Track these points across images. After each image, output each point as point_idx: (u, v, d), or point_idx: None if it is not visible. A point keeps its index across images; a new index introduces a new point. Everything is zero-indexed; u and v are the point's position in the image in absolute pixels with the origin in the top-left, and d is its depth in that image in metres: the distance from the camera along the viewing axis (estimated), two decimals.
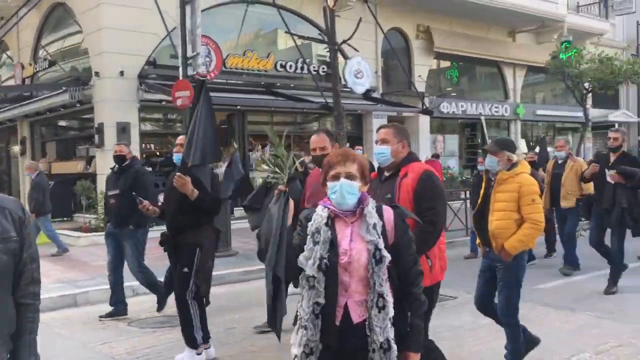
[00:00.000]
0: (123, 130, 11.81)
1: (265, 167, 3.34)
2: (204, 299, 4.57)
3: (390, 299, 2.23)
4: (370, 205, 2.30)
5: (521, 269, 4.10)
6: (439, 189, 3.25)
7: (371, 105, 15.12)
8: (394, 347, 2.21)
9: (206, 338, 4.58)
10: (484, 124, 16.79)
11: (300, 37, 11.27)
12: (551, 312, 5.81)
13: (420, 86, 16.45)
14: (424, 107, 15.17)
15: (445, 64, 18.44)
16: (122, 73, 11.77)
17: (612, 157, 6.67)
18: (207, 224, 4.60)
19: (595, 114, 20.73)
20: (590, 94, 18.09)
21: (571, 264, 7.73)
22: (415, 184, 3.18)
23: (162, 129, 13.79)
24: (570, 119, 21.28)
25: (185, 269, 4.43)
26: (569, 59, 16.34)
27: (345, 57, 12.30)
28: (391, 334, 2.22)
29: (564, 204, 7.73)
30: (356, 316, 2.25)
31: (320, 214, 2.32)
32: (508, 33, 19.50)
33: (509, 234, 3.97)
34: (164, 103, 11.90)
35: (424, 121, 16.79)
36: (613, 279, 6.61)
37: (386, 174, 3.37)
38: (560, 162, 7.98)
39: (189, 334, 4.46)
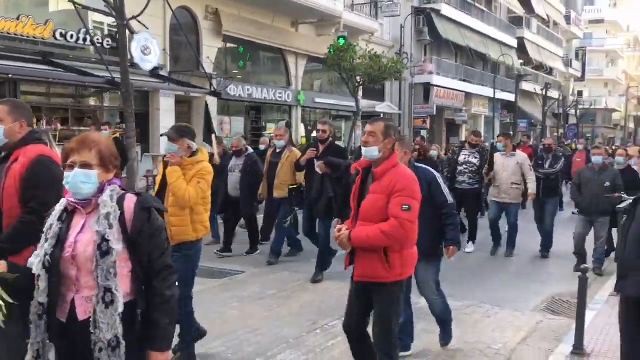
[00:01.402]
0: None
1: None
2: None
3: (120, 293, 2.12)
4: (106, 194, 2.19)
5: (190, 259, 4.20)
6: (52, 174, 2.91)
7: (159, 83, 14.94)
8: (123, 343, 2.11)
9: None
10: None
11: (85, 7, 10.73)
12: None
13: (209, 67, 16.67)
14: (213, 89, 15.45)
15: (233, 47, 18.88)
16: None
17: (321, 148, 6.90)
18: None
19: (365, 104, 23.02)
20: (361, 87, 20.09)
21: (276, 254, 7.73)
22: (25, 170, 2.94)
23: None
24: (344, 107, 23.33)
25: None
26: (344, 54, 17.97)
27: (132, 32, 12.01)
28: (120, 330, 2.10)
29: (277, 193, 7.67)
30: (82, 312, 2.14)
31: (56, 208, 2.26)
32: (292, 23, 20.65)
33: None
34: None
35: (212, 103, 17.04)
36: (321, 267, 6.88)
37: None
38: (278, 151, 7.87)
39: None
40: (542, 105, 36.43)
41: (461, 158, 9.05)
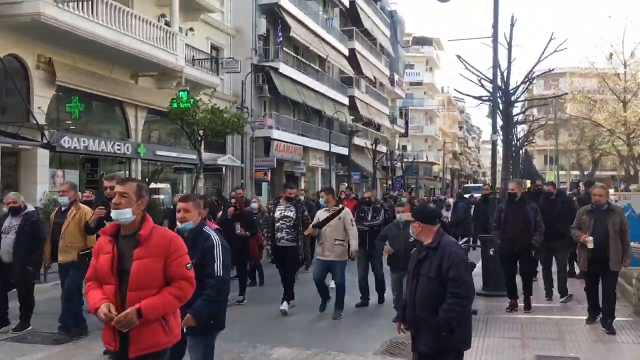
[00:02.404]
0: None
1: None
2: None
3: None
4: None
5: None
6: None
7: None
8: None
9: None
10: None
11: None
12: None
13: (40, 118, 15.75)
14: (46, 141, 14.60)
15: (67, 98, 18.06)
16: None
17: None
18: None
19: (207, 157, 23.14)
20: (203, 140, 20.22)
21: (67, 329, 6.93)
22: None
23: None
24: (186, 160, 23.22)
25: None
26: (186, 108, 18.09)
27: None
28: None
29: (62, 257, 6.97)
30: None
31: None
32: (131, 75, 20.32)
33: None
34: None
35: (43, 155, 16.08)
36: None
37: None
38: (63, 209, 7.21)
39: None
40: (372, 159, 39.23)
41: (277, 213, 8.60)
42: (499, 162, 12.23)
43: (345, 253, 8.41)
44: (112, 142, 19.20)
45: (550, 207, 9.26)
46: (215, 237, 4.31)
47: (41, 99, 16.39)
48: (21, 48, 15.71)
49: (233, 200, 9.83)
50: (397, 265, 7.69)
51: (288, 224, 8.50)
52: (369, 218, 9.24)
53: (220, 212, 9.13)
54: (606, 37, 22.72)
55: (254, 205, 12.13)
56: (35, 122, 14.90)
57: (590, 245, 6.99)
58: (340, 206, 8.87)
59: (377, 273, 9.32)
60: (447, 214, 14.32)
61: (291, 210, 8.55)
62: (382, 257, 9.04)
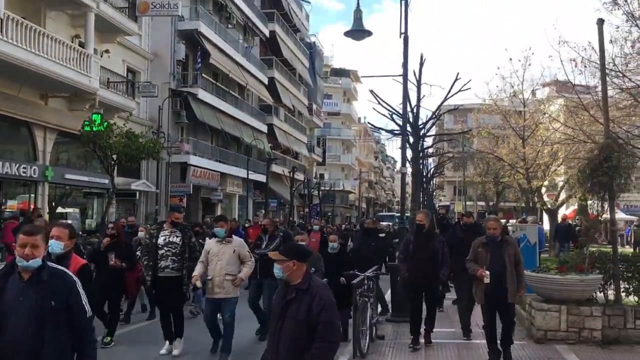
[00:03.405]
0: None
1: None
2: None
3: None
4: None
5: None
6: None
7: None
8: None
9: None
10: None
11: None
12: None
13: None
14: None
15: None
16: None
17: None
18: None
19: (121, 181, 22.53)
20: (116, 165, 19.72)
21: None
22: None
23: None
24: (97, 184, 22.49)
25: None
26: (100, 132, 17.64)
27: None
28: None
29: None
30: None
31: None
32: (41, 96, 19.58)
33: None
34: None
35: None
36: None
37: None
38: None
39: None
40: (290, 186, 39.57)
41: (161, 240, 7.85)
42: (409, 191, 12.81)
43: (237, 289, 7.62)
44: (17, 165, 18.33)
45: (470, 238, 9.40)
46: (70, 274, 3.74)
47: None
48: None
49: (110, 227, 9.03)
50: None
51: (174, 250, 7.80)
52: (263, 246, 8.95)
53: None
54: (508, 79, 24.86)
55: (141, 234, 10.91)
56: None
57: (487, 280, 6.97)
58: (235, 237, 7.95)
59: (267, 305, 8.70)
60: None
61: (177, 236, 7.88)
62: (273, 290, 8.36)
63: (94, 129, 17.85)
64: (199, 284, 7.52)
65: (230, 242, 7.58)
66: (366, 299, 7.91)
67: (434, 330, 8.51)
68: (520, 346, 8.18)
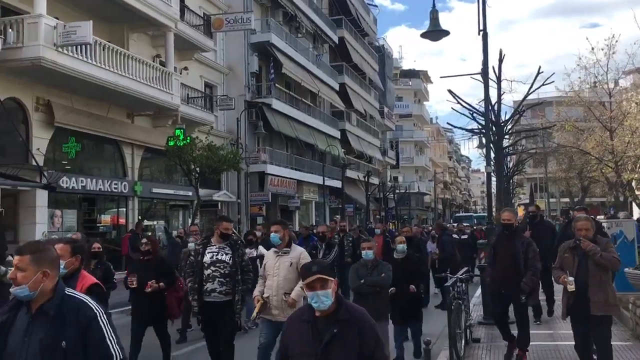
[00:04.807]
0: None
1: None
2: None
3: None
4: None
5: None
6: None
7: None
8: None
9: None
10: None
11: None
12: None
13: (39, 160, 15.93)
14: (46, 182, 14.75)
15: (64, 138, 18.30)
16: None
17: None
18: None
19: (202, 193, 23.29)
20: (199, 177, 20.44)
21: None
22: None
23: None
24: (181, 196, 23.39)
25: None
26: (184, 146, 18.36)
27: None
28: None
29: None
30: None
31: None
32: (127, 115, 20.63)
33: None
34: None
35: (42, 196, 16.22)
36: None
37: None
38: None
39: None
40: (365, 191, 39.54)
41: (207, 257, 6.26)
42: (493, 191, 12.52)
43: None
44: (109, 181, 19.38)
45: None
46: (94, 305, 2.84)
47: (40, 141, 16.62)
48: (21, 91, 16.02)
49: (144, 242, 7.60)
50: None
51: (222, 271, 6.24)
52: (320, 255, 8.17)
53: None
54: (591, 69, 23.58)
55: (191, 245, 9.07)
56: (35, 163, 15.08)
57: (571, 288, 5.74)
58: (295, 247, 6.43)
59: None
60: (432, 247, 13.35)
61: (226, 253, 6.28)
62: None
63: (179, 144, 18.56)
64: (258, 307, 6.06)
65: (288, 252, 6.14)
66: (459, 301, 7.78)
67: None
68: (625, 347, 7.80)
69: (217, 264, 6.22)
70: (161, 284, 7.16)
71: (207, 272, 6.20)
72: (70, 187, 17.55)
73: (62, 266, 3.95)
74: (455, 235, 15.35)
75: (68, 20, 15.79)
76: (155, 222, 23.63)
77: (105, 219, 20.60)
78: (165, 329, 7.47)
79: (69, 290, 2.84)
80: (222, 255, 6.26)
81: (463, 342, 7.71)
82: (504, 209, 8.76)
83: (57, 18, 15.40)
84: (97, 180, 18.85)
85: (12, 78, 15.45)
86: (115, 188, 19.67)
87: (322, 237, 8.48)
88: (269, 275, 6.09)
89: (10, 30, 14.61)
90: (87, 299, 2.84)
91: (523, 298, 6.90)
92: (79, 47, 15.76)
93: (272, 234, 6.27)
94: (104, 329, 2.75)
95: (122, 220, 20.51)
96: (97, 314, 2.76)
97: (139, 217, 21.23)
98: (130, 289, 7.49)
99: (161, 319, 7.37)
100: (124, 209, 20.58)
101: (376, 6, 55.98)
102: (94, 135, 18.79)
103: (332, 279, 2.97)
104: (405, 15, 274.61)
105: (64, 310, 2.73)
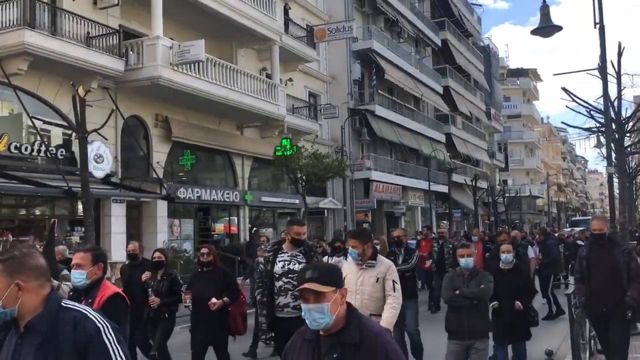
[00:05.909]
0: None
1: None
2: None
3: None
4: None
5: None
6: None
7: (111, 190, 15.11)
8: None
9: None
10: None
11: (47, 122, 11.08)
12: None
13: (159, 172, 17.03)
14: (165, 193, 15.74)
15: (180, 151, 19.41)
16: None
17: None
18: None
19: (308, 200, 23.73)
20: (306, 185, 20.87)
21: None
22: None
23: None
24: (288, 204, 23.97)
25: None
26: (291, 155, 18.85)
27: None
28: None
29: None
30: None
31: None
32: (237, 127, 21.51)
33: None
34: None
35: (162, 206, 17.28)
36: None
37: None
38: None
39: None
40: (472, 195, 38.40)
41: (278, 267, 5.39)
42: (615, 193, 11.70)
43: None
44: (221, 191, 20.27)
45: None
46: (97, 318, 2.36)
47: (159, 154, 17.74)
48: (141, 109, 17.20)
49: (204, 252, 6.81)
50: (458, 330, 5.60)
51: (295, 282, 4.87)
52: (399, 262, 7.47)
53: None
54: None
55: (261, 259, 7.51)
56: (155, 176, 16.15)
57: None
58: (381, 259, 5.56)
59: (411, 330, 7.35)
60: (533, 251, 12.29)
61: (300, 262, 5.38)
62: (416, 311, 7.54)
63: (285, 153, 19.07)
64: None
65: (373, 266, 5.33)
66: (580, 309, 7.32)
67: None
68: None
69: (290, 275, 5.27)
70: (225, 299, 6.49)
71: (278, 283, 5.34)
72: (187, 198, 18.56)
73: (84, 276, 3.92)
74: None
75: (181, 40, 16.77)
76: (266, 230, 24.40)
77: (219, 227, 21.55)
78: (225, 348, 6.70)
79: (67, 303, 2.37)
80: (295, 264, 5.34)
81: (587, 353, 7.26)
82: (595, 216, 8.01)
83: (171, 38, 16.40)
84: (211, 190, 19.79)
85: (134, 97, 16.63)
86: (227, 197, 20.54)
87: (398, 242, 7.87)
88: (351, 292, 4.97)
89: (131, 52, 15.74)
90: (88, 310, 2.37)
91: (629, 314, 6.06)
92: (192, 65, 16.66)
93: (349, 249, 5.49)
94: (109, 346, 2.27)
95: (233, 229, 21.36)
96: (102, 328, 2.29)
97: (251, 226, 21.99)
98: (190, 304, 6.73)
99: (222, 338, 6.66)
100: (235, 218, 21.42)
101: (480, 5, 54.54)
102: (207, 147, 19.76)
103: (330, 290, 2.39)
104: (510, 12, 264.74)
105: (58, 325, 2.27)
